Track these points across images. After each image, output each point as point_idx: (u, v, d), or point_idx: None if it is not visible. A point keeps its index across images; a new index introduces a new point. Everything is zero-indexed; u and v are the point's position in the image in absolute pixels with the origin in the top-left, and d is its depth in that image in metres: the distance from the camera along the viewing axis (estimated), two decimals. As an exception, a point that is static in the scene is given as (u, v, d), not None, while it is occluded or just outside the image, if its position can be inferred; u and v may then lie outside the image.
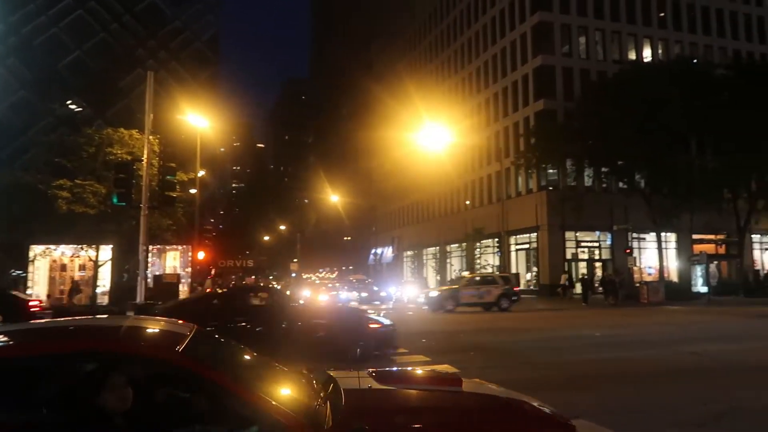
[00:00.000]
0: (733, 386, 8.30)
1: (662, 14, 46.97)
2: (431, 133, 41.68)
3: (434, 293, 28.42)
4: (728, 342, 13.60)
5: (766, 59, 45.62)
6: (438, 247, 57.62)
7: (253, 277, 46.84)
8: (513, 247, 44.99)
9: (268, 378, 3.34)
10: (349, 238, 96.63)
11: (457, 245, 53.07)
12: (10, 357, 2.97)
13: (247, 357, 3.68)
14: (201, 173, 29.15)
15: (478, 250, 47.07)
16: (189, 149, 28.81)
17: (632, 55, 45.57)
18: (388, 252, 67.25)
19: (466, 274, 37.42)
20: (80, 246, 28.34)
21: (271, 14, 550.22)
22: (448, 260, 56.03)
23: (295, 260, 56.92)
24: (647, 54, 46.29)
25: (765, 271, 41.99)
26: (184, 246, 33.00)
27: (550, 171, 41.00)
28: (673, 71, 34.56)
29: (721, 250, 41.96)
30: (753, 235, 42.37)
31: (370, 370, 4.11)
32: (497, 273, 34.07)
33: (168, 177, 16.71)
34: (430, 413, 3.33)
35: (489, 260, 46.27)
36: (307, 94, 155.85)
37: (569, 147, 35.42)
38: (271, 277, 74.69)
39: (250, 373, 3.21)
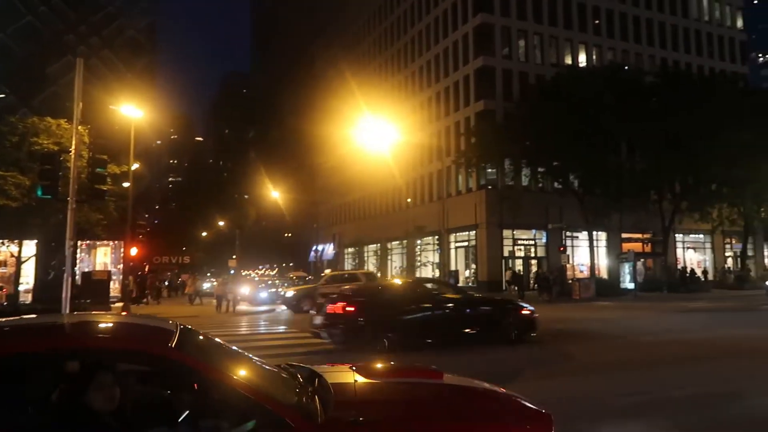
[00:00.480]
0: (656, 376, 8.76)
1: (597, 21, 48.84)
2: (374, 131, 41.77)
3: (291, 292, 26.03)
4: (647, 334, 14.52)
5: (690, 68, 48.33)
6: (379, 244, 57.83)
7: (189, 274, 45.58)
8: (453, 245, 45.73)
9: (256, 373, 3.32)
10: (289, 234, 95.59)
11: (398, 242, 53.45)
12: (10, 354, 2.83)
13: (231, 353, 3.61)
14: (135, 166, 28.06)
15: (419, 247, 47.60)
16: (122, 141, 27.64)
17: (568, 60, 47.16)
18: (329, 249, 66.96)
19: (328, 272, 36.95)
20: (1, 241, 26.74)
21: (213, 5, 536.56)
22: (389, 257, 56.34)
23: (233, 257, 55.69)
24: (582, 59, 48.03)
25: (687, 269, 44.41)
26: (116, 242, 31.70)
27: (490, 170, 41.89)
28: (606, 77, 36.00)
29: (648, 248, 44.07)
30: (677, 235, 44.75)
31: (351, 365, 4.17)
32: (363, 270, 34.00)
33: (98, 169, 15.95)
34: (419, 405, 3.41)
35: (429, 257, 46.86)
36: (249, 88, 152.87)
37: (508, 147, 36.26)
38: (208, 274, 72.90)
39: (239, 368, 3.19)
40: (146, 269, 48.52)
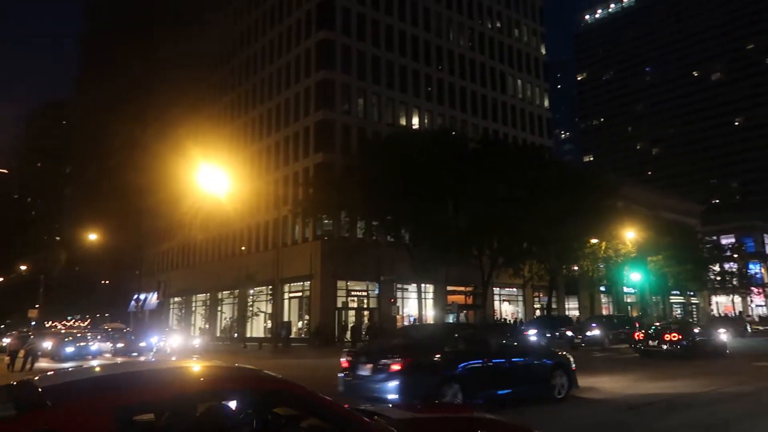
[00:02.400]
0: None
1: (429, 89, 52.86)
2: (209, 174, 40.17)
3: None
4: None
5: (506, 137, 54.08)
6: (209, 294, 54.93)
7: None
8: (287, 295, 44.91)
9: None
10: (107, 281, 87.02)
11: (229, 292, 51.22)
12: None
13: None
14: None
15: (251, 297, 46.04)
16: None
17: (403, 121, 50.15)
18: (152, 298, 61.95)
19: None
20: None
21: (37, 31, 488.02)
22: (219, 308, 53.63)
23: (36, 306, 49.00)
24: (416, 121, 51.40)
25: (502, 319, 48.19)
26: None
27: (326, 221, 42.31)
28: (436, 139, 38.78)
29: (470, 300, 47.22)
30: (494, 288, 48.59)
31: (389, 405, 4.97)
32: None
33: None
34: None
35: (262, 308, 45.45)
36: (69, 119, 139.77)
37: (344, 199, 37.01)
38: (2, 326, 63.11)
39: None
40: None
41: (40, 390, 3.00)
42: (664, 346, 21.89)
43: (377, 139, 43.79)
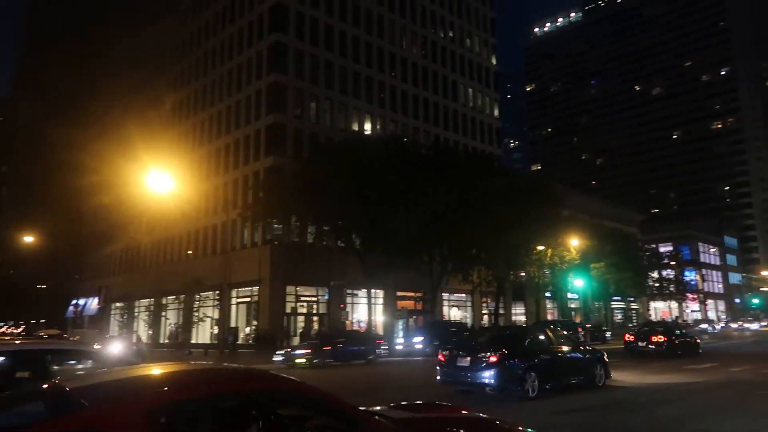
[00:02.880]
0: None
1: (382, 95, 53.13)
2: (155, 176, 39.03)
3: None
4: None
5: (457, 145, 54.88)
6: (153, 299, 53.33)
7: None
8: (234, 300, 44.08)
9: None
10: (45, 286, 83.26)
11: (174, 297, 49.89)
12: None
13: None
14: None
15: (198, 302, 44.99)
16: None
17: (356, 126, 50.19)
18: (92, 303, 59.62)
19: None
20: None
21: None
22: (163, 313, 52.12)
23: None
24: (368, 127, 51.52)
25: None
26: None
27: (276, 226, 41.79)
28: (389, 146, 38.93)
29: (419, 306, 47.53)
30: (444, 294, 49.09)
31: (391, 404, 5.03)
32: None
33: None
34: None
35: (209, 313, 44.46)
36: (6, 115, 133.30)
37: (295, 204, 36.63)
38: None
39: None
40: None
41: (72, 392, 3.16)
42: (651, 346, 25.52)
43: (329, 143, 43.65)
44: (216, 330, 42.32)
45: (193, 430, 3.14)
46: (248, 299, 43.54)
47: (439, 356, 13.73)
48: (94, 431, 2.75)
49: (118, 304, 59.10)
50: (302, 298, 43.05)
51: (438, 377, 13.39)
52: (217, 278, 40.75)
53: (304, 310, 43.23)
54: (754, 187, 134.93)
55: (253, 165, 45.19)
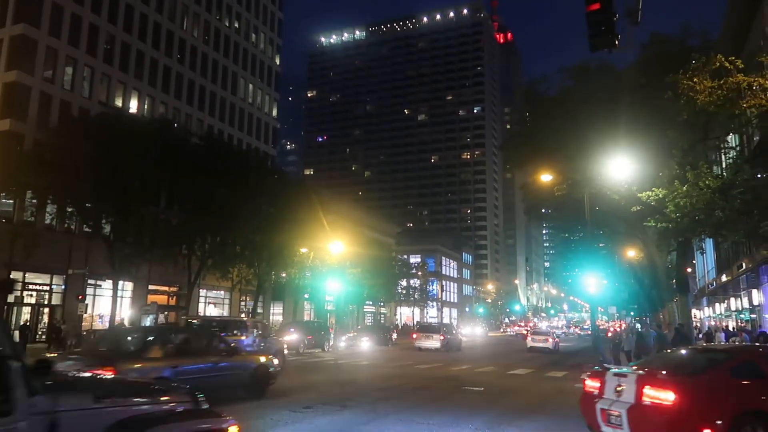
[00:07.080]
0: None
1: (154, 74, 49.25)
2: None
3: None
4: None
5: (231, 139, 53.49)
6: None
7: None
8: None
9: None
10: None
11: None
12: None
13: None
14: None
15: None
16: None
17: (119, 102, 45.66)
18: None
19: None
20: None
21: None
22: None
23: None
24: (134, 105, 47.27)
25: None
26: None
27: (5, 200, 35.81)
28: (155, 128, 36.16)
29: (173, 301, 44.90)
30: (201, 290, 47.15)
31: None
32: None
33: None
34: None
35: None
36: None
37: (34, 178, 31.83)
38: None
39: None
40: None
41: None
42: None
43: (85, 116, 38.99)
44: None
45: None
46: (-43, 285, 36.30)
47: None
48: None
49: None
50: (30, 287, 37.41)
51: None
52: None
53: (33, 301, 37.63)
54: (488, 213, 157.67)
55: (-18, 126, 38.13)
